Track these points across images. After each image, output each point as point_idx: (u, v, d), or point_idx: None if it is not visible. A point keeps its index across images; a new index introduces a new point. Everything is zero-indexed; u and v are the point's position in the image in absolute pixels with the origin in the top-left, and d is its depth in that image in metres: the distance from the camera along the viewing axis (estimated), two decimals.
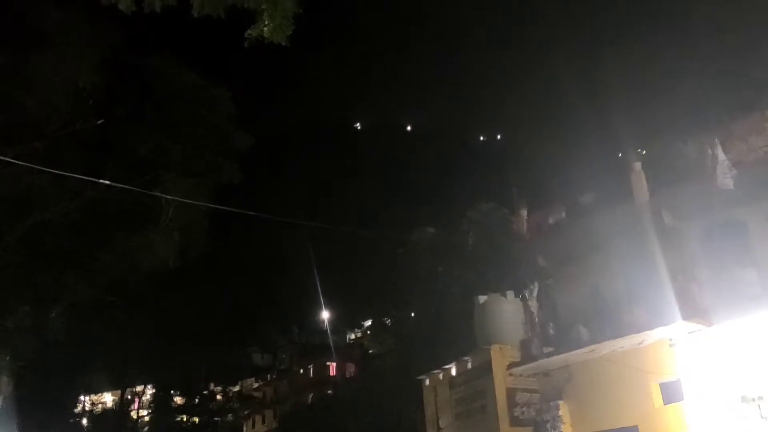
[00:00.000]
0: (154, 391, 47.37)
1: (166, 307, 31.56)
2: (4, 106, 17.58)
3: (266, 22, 9.39)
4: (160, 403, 46.50)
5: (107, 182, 15.52)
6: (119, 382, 44.16)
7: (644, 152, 19.21)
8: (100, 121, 19.83)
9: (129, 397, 46.41)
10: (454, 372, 20.31)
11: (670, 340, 14.11)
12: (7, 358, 19.33)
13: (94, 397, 46.11)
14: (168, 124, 21.39)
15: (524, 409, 17.95)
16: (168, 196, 19.36)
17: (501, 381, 18.16)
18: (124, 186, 16.82)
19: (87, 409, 44.42)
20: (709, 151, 14.19)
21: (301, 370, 57.02)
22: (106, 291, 22.08)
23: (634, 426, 14.60)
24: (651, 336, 14.22)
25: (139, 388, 46.87)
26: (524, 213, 19.72)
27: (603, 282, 16.76)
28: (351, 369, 51.79)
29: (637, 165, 16.64)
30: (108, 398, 48.93)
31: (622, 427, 14.80)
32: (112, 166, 19.28)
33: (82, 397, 43.12)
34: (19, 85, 17.77)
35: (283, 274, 45.63)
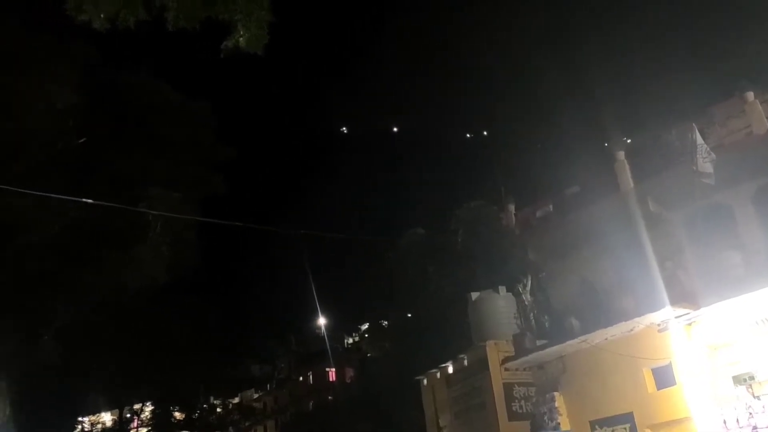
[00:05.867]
0: (152, 408, 47.08)
1: (159, 323, 31.40)
2: None
3: (241, 33, 9.39)
4: (160, 420, 46.20)
5: (89, 201, 15.38)
6: (117, 401, 43.87)
7: (628, 141, 19.38)
8: (81, 140, 19.74)
9: (128, 415, 46.10)
10: (450, 370, 20.36)
11: (659, 325, 14.22)
12: (2, 383, 19.17)
13: (92, 418, 45.77)
14: (149, 140, 21.37)
15: (521, 402, 18.02)
16: (153, 212, 19.28)
17: (497, 376, 18.23)
18: (107, 204, 16.70)
19: (86, 430, 44.09)
20: (690, 138, 14.34)
21: (301, 378, 56.90)
22: (96, 311, 21.90)
23: (629, 412, 14.71)
24: (640, 323, 14.33)
25: (137, 406, 46.56)
26: (512, 208, 19.85)
27: (593, 272, 16.89)
28: (350, 374, 51.71)
29: (621, 155, 16.79)
30: (107, 418, 48.59)
31: (618, 414, 14.91)
32: (96, 185, 19.16)
33: (80, 418, 42.79)
34: None
35: (276, 283, 45.66)
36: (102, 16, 8.30)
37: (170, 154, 21.85)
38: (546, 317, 17.67)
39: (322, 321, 49.48)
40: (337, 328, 55.36)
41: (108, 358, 29.17)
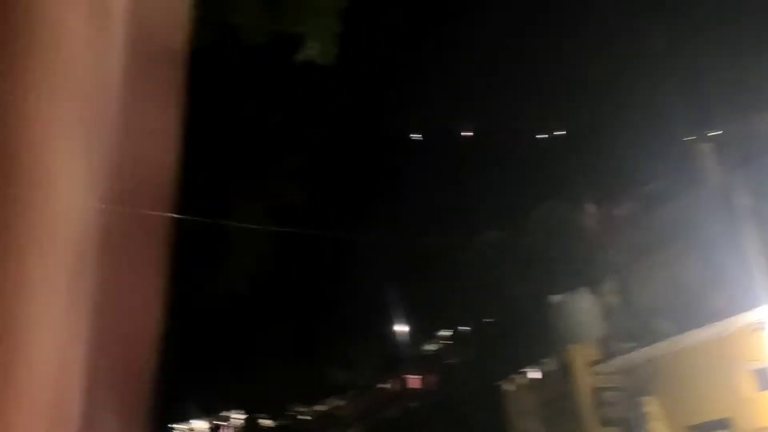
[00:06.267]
0: (242, 415, 48.42)
1: (244, 331, 32.29)
2: None
3: (312, 45, 9.54)
4: (248, 428, 47.44)
5: (173, 215, 16.15)
6: (206, 409, 45.34)
7: (715, 132, 18.44)
8: None
9: (218, 422, 47.56)
10: (534, 376, 20.02)
11: (757, 324, 13.43)
12: None
13: (184, 426, 47.47)
14: (226, 153, 22.12)
15: (611, 408, 17.46)
16: (232, 223, 19.96)
17: (584, 381, 17.78)
18: (187, 217, 17.40)
19: None
20: None
21: (383, 385, 57.09)
22: (183, 321, 22.80)
23: (728, 417, 13.96)
24: (736, 322, 13.59)
25: (226, 414, 48.00)
26: (591, 207, 19.37)
27: (682, 271, 16.17)
28: (431, 381, 51.46)
29: (708, 145, 16.06)
30: (198, 425, 50.28)
31: (715, 420, 14.17)
32: (178, 199, 20.02)
33: (172, 425, 44.41)
34: None
35: (355, 289, 45.97)
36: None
37: (247, 166, 22.54)
38: (633, 319, 17.10)
39: (402, 327, 49.53)
40: (417, 333, 55.28)
41: (196, 367, 30.23)
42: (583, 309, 19.39)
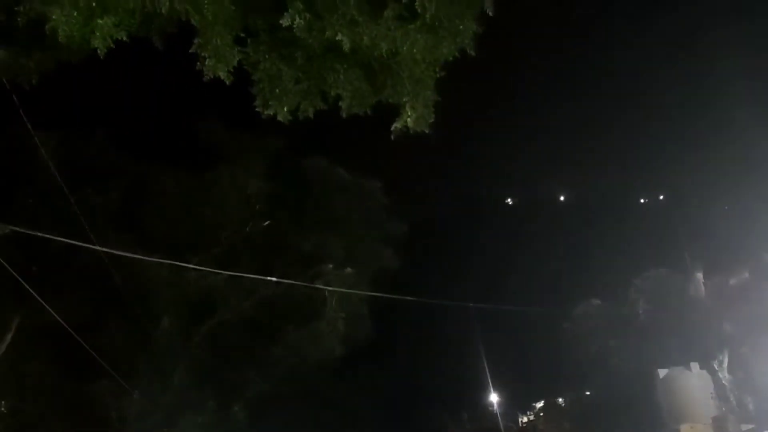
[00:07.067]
0: None
1: (337, 393, 32.28)
2: (187, 218, 20.09)
3: (409, 113, 9.77)
4: None
5: (275, 279, 16.71)
6: None
7: None
8: (266, 223, 21.72)
9: None
10: None
11: None
12: None
13: None
14: (326, 220, 22.95)
15: None
16: (330, 288, 20.43)
17: None
18: (290, 282, 18.07)
19: None
20: None
21: None
22: (280, 382, 23.30)
23: None
24: None
25: None
26: (700, 276, 18.48)
27: None
28: None
29: None
30: None
31: None
32: (280, 264, 20.87)
33: None
34: (198, 199, 20.30)
35: (447, 356, 45.36)
36: (285, 109, 9.04)
37: (345, 232, 23.24)
38: (750, 398, 15.85)
39: (494, 396, 48.12)
40: (510, 404, 53.46)
41: (290, 428, 30.34)
42: (693, 384, 18.20)
